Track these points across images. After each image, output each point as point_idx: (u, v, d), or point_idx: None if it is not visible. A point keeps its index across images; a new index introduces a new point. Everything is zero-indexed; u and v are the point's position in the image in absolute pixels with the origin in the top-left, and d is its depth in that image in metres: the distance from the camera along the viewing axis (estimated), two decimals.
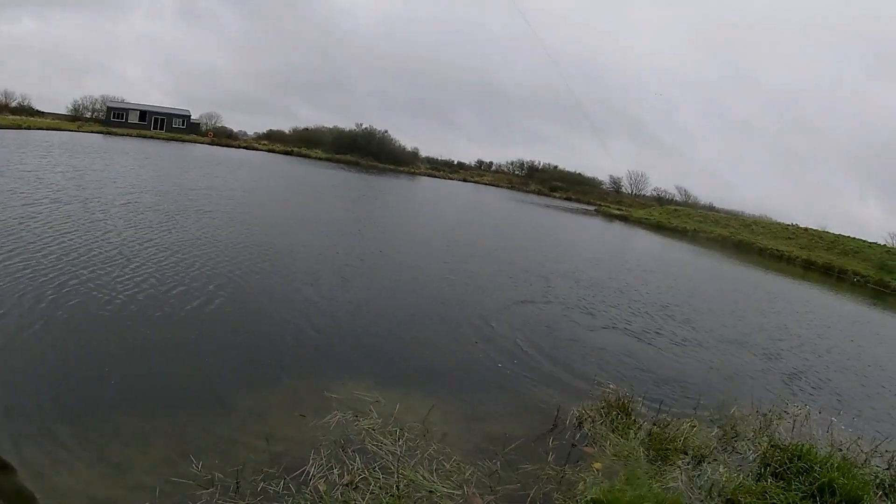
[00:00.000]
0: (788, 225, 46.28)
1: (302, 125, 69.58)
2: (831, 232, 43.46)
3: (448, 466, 4.10)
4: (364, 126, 66.87)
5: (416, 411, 5.15)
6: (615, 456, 5.09)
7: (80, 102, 61.94)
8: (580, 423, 5.59)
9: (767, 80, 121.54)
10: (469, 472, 4.08)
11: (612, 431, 5.51)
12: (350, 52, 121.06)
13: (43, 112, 59.45)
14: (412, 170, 64.26)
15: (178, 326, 6.49)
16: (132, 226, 10.96)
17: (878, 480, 5.23)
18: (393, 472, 3.80)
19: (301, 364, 6.08)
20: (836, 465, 5.04)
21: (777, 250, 38.70)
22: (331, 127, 68.36)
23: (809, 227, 45.48)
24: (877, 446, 6.08)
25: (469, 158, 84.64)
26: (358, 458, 4.01)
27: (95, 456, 3.94)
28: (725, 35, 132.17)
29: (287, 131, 69.80)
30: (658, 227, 46.02)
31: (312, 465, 3.89)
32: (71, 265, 7.83)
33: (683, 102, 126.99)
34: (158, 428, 4.42)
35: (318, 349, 6.59)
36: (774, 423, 6.45)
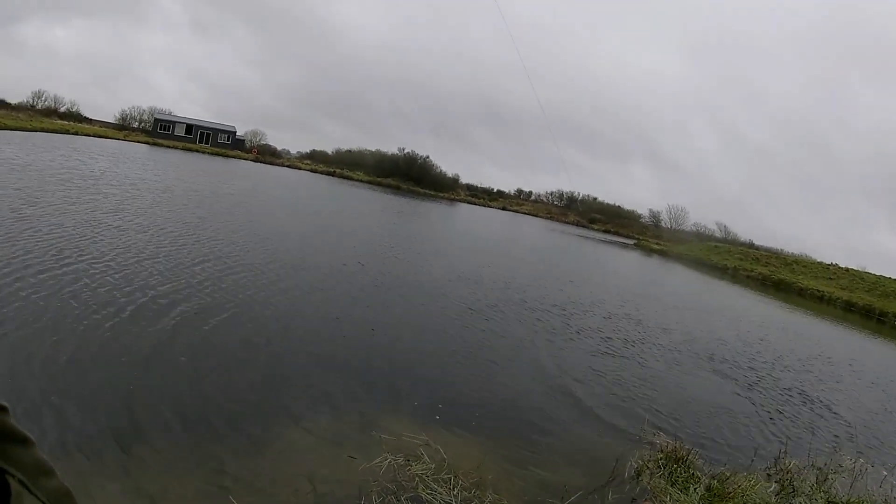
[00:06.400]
0: (829, 265, 44.89)
1: (329, 141, 71.30)
2: (872, 273, 42.02)
3: None
4: (406, 151, 68.07)
5: (466, 455, 4.92)
6: None
7: (127, 112, 64.41)
8: (638, 474, 5.27)
9: (775, 98, 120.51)
10: None
11: (672, 485, 5.21)
12: (361, 72, 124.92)
13: (91, 119, 61.84)
14: (452, 196, 64.44)
15: (212, 350, 6.36)
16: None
17: None
18: None
19: (340, 397, 5.85)
20: None
21: (818, 290, 37.44)
22: (373, 150, 70.07)
23: (851, 267, 44.12)
24: None
25: (506, 186, 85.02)
26: None
27: (131, 484, 3.79)
28: (727, 52, 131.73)
29: (330, 152, 71.72)
30: (698, 264, 45.02)
31: None
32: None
33: (698, 126, 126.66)
34: (195, 457, 4.25)
35: (357, 381, 6.35)
36: (830, 477, 6.12)
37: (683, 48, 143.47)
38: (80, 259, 8.65)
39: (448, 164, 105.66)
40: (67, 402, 4.62)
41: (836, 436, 8.10)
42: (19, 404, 4.41)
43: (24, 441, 0.62)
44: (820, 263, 46.20)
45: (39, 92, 59.47)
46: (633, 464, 5.37)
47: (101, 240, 10.20)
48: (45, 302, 6.62)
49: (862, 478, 6.27)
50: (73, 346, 5.68)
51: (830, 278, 41.58)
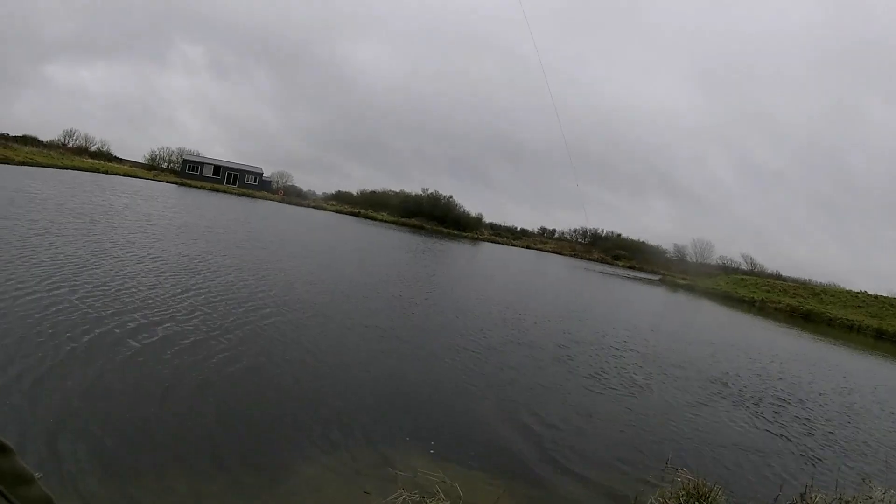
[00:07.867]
0: (858, 293, 43.79)
1: (353, 183, 72.58)
2: None
3: None
4: (430, 191, 69.12)
5: (483, 493, 4.86)
6: None
7: (157, 153, 66.46)
8: None
9: (791, 124, 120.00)
10: None
11: None
12: (379, 114, 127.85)
13: (121, 159, 63.83)
14: (476, 235, 64.64)
15: (218, 384, 6.34)
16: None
17: None
18: None
19: (355, 432, 5.81)
20: None
21: (847, 320, 36.42)
22: (397, 191, 71.50)
23: (880, 294, 43.04)
24: None
25: (528, 223, 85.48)
26: None
27: None
28: (740, 80, 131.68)
29: (355, 193, 73.12)
30: (725, 298, 44.21)
31: None
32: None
33: (716, 157, 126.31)
34: (210, 491, 4.24)
35: (372, 416, 6.32)
36: None
37: (696, 79, 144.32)
38: (73, 287, 8.86)
39: (471, 203, 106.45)
40: (61, 434, 4.62)
41: (868, 464, 7.78)
42: None
43: (2, 450, 0.64)
44: (848, 292, 45.08)
45: (71, 131, 61.94)
46: (653, 501, 5.23)
47: (101, 269, 10.46)
48: (23, 329, 6.74)
49: None
50: (49, 372, 5.73)
51: (859, 306, 40.50)
